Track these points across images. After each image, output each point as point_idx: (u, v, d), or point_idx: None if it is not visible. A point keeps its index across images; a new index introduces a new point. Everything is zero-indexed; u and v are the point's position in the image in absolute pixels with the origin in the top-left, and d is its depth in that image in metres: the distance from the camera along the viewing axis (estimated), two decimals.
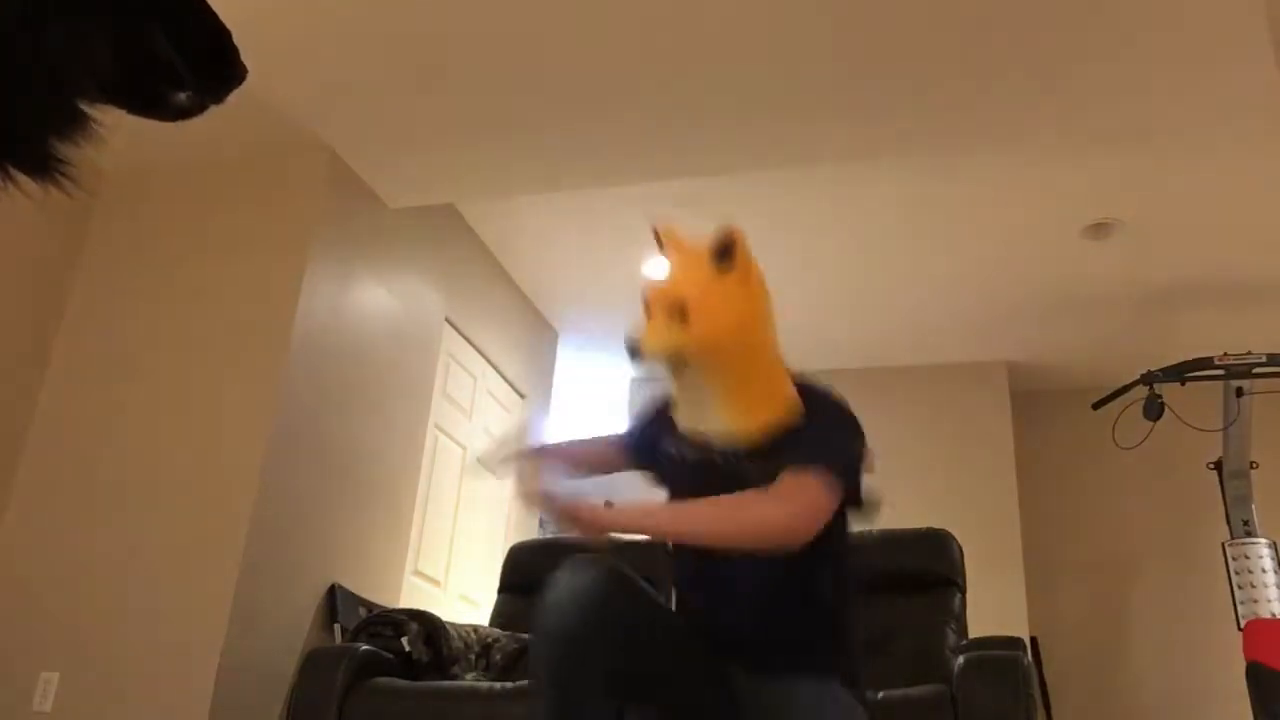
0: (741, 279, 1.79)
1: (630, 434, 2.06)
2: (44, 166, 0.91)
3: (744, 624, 1.79)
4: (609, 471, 2.04)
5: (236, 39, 1.00)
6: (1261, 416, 3.66)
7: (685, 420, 1.84)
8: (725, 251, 1.76)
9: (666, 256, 1.87)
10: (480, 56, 3.24)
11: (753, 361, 1.81)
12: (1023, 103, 3.32)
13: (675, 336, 1.74)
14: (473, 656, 3.31)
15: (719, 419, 1.79)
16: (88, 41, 0.88)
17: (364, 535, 3.79)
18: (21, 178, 0.90)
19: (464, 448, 4.62)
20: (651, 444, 1.94)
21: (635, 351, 1.77)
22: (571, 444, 2.14)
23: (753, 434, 1.75)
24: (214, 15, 0.99)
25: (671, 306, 1.76)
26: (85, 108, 0.92)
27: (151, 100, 0.99)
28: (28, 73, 0.85)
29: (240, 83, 1.00)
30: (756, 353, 1.82)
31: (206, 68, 0.98)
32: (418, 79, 3.36)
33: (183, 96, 0.98)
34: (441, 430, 4.42)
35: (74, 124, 0.92)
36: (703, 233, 1.82)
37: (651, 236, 1.91)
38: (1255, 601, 3.28)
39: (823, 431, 1.76)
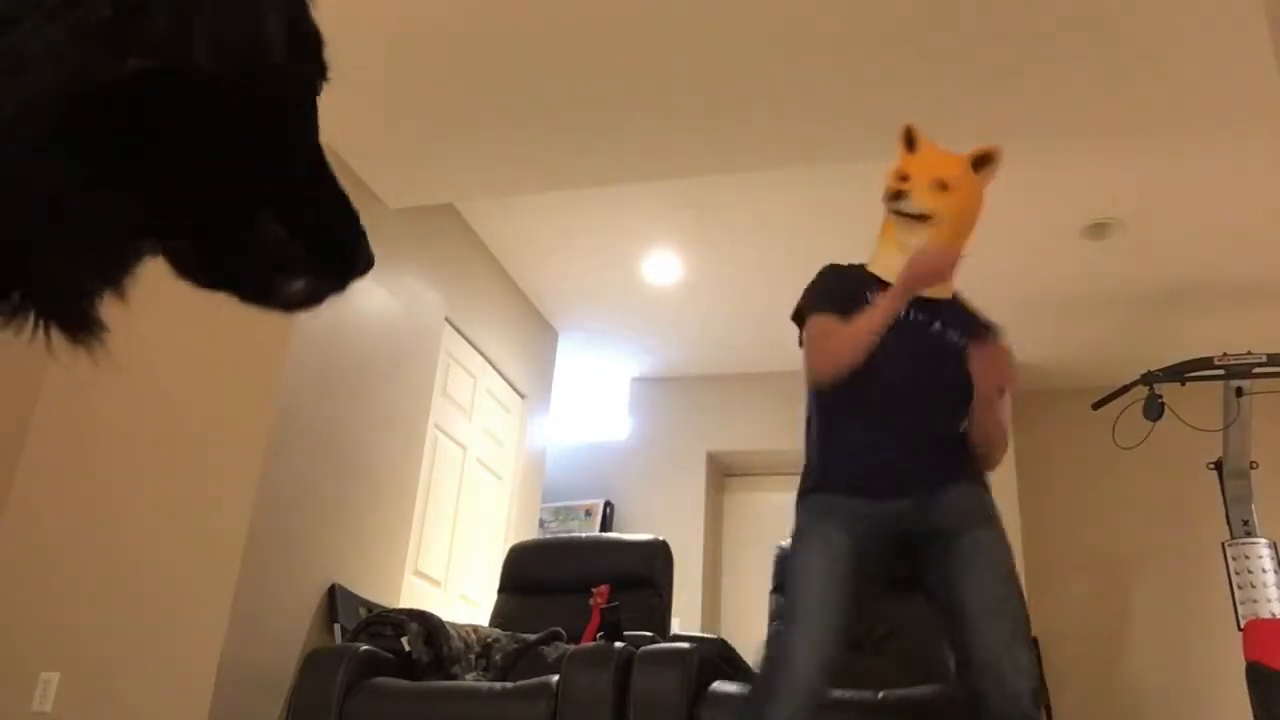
0: (984, 184, 2.33)
1: (833, 305, 2.38)
2: (82, 327, 0.84)
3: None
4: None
5: None
6: (1261, 416, 3.66)
7: (885, 269, 2.30)
8: (986, 159, 2.31)
9: (919, 148, 2.34)
10: (481, 57, 3.24)
11: (964, 243, 2.32)
12: (1022, 103, 3.32)
13: (935, 200, 2.26)
14: (473, 656, 3.31)
15: None
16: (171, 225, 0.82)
17: (364, 535, 3.79)
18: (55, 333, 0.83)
19: (464, 448, 4.62)
20: (848, 299, 2.32)
21: (902, 196, 2.27)
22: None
23: (942, 296, 2.30)
24: (344, 199, 0.89)
25: (935, 180, 2.26)
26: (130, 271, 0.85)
27: (261, 289, 0.89)
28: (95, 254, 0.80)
29: (366, 272, 0.91)
30: (966, 240, 2.34)
31: (329, 256, 0.89)
32: (418, 79, 3.36)
33: (299, 285, 0.88)
34: (441, 430, 4.42)
35: (124, 274, 0.85)
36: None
37: (898, 137, 2.38)
38: (1255, 601, 3.28)
39: None
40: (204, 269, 0.88)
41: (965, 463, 2.23)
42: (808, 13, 2.99)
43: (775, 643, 2.11)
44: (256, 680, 3.20)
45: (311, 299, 0.90)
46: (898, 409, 2.21)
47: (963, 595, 2.03)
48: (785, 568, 2.20)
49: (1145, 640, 5.29)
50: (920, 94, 3.29)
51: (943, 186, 2.26)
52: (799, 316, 2.41)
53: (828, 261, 2.51)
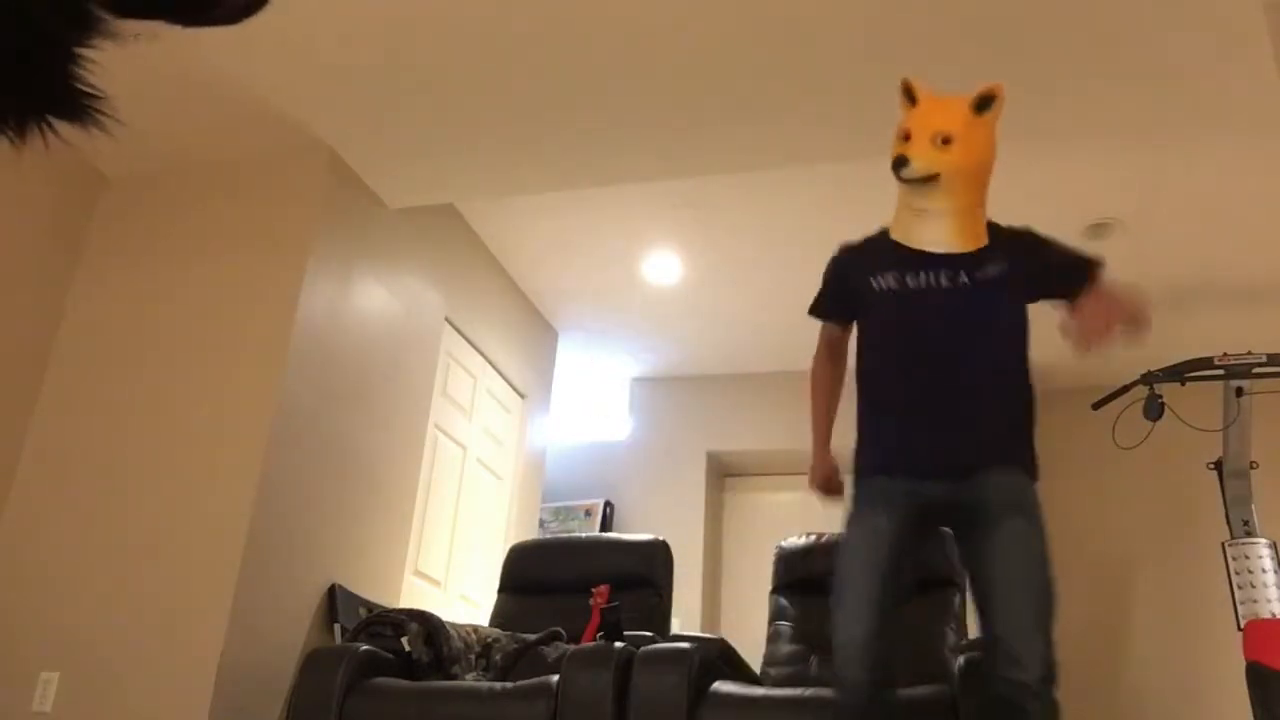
0: (991, 125, 2.22)
1: (833, 309, 2.45)
2: (75, 104, 0.79)
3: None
4: (837, 344, 2.51)
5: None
6: (1261, 416, 3.65)
7: (905, 234, 2.24)
8: (987, 101, 2.20)
9: (918, 100, 2.25)
10: (481, 57, 3.24)
11: (983, 193, 2.24)
12: (1023, 103, 3.32)
13: (939, 157, 2.16)
14: (473, 656, 3.31)
15: (945, 234, 2.20)
16: None
17: (364, 535, 3.79)
18: (59, 124, 0.79)
19: (464, 448, 4.62)
20: (852, 295, 2.34)
21: (904, 163, 2.16)
22: (822, 421, 2.54)
23: (968, 250, 2.20)
24: None
25: (936, 134, 2.16)
26: (105, 19, 0.77)
27: (201, 3, 0.83)
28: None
29: None
30: (985, 188, 2.25)
31: None
32: (418, 79, 3.36)
33: None
34: (441, 430, 4.42)
35: (92, 31, 0.77)
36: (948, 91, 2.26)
37: (900, 91, 2.29)
38: (1255, 601, 3.28)
39: None
40: None
41: (1010, 446, 2.21)
42: (807, 13, 2.99)
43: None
44: (256, 680, 3.20)
45: (251, 6, 0.84)
46: (926, 385, 2.19)
47: (992, 578, 2.06)
48: (837, 561, 2.20)
49: (1145, 640, 5.29)
50: None
51: (945, 141, 2.18)
52: (815, 310, 2.46)
53: (827, 261, 2.51)
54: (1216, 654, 4.75)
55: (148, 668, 3.12)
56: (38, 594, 3.33)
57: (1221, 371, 3.56)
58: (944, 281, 2.20)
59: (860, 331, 2.38)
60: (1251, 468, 3.53)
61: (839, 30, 3.05)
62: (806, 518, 5.14)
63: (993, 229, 2.31)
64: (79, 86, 0.78)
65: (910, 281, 2.23)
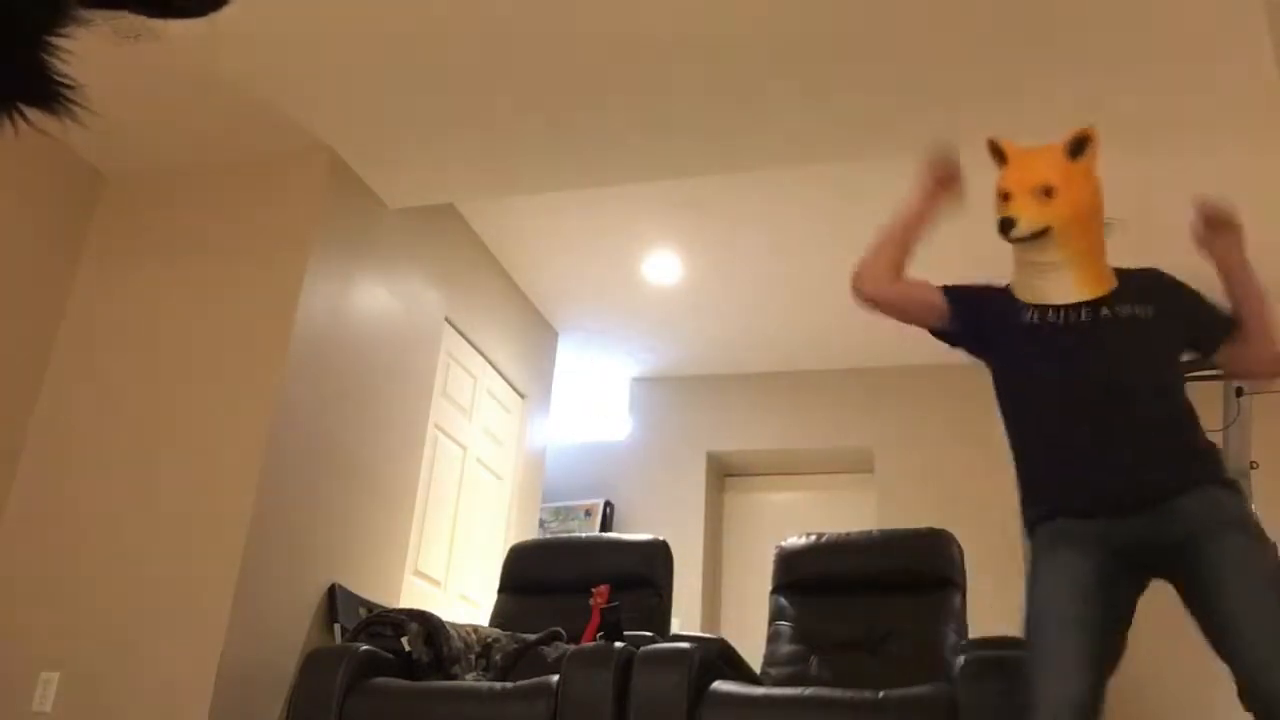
0: (1090, 168, 2.18)
1: (957, 300, 2.30)
2: (47, 91, 0.80)
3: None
4: (915, 300, 2.32)
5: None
6: (1261, 416, 3.66)
7: (1030, 293, 2.18)
8: (1081, 144, 2.15)
9: (1008, 157, 2.21)
10: (480, 56, 3.24)
11: (1099, 235, 2.20)
12: (1023, 103, 3.32)
13: (1045, 211, 2.11)
14: (473, 656, 3.31)
15: (1071, 285, 2.14)
16: None
17: (364, 535, 3.79)
18: (31, 112, 0.80)
19: (464, 448, 4.62)
20: (979, 322, 2.25)
21: (1011, 225, 2.12)
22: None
23: (1094, 296, 2.12)
24: None
25: (1037, 188, 2.12)
26: (80, 11, 0.80)
27: None
28: None
29: None
30: (1099, 229, 2.21)
31: None
32: (418, 79, 3.36)
33: None
34: (441, 430, 4.42)
35: (64, 19, 0.79)
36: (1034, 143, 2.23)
37: (989, 151, 2.26)
38: None
39: None
40: None
41: (1189, 465, 2.02)
42: (807, 13, 2.99)
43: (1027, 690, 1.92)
44: (256, 680, 3.20)
45: (212, 2, 0.87)
46: (1067, 420, 2.06)
47: (1216, 608, 1.88)
48: (1027, 613, 2.01)
49: (1145, 640, 5.28)
50: (921, 95, 3.29)
51: (1047, 193, 2.12)
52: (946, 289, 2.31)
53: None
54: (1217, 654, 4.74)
55: (148, 668, 3.12)
56: (38, 594, 3.33)
57: (1222, 371, 3.56)
58: (1084, 316, 2.11)
59: (999, 371, 2.25)
60: (1251, 468, 3.53)
61: (839, 30, 3.04)
62: (806, 518, 5.15)
63: (1122, 272, 2.24)
64: (52, 75, 0.79)
65: (1052, 317, 2.14)
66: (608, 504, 5.83)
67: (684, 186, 4.19)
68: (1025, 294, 2.20)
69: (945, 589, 3.35)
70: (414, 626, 3.26)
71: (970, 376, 5.53)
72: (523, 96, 3.42)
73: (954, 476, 5.29)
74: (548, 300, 5.35)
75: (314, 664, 3.06)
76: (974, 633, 3.30)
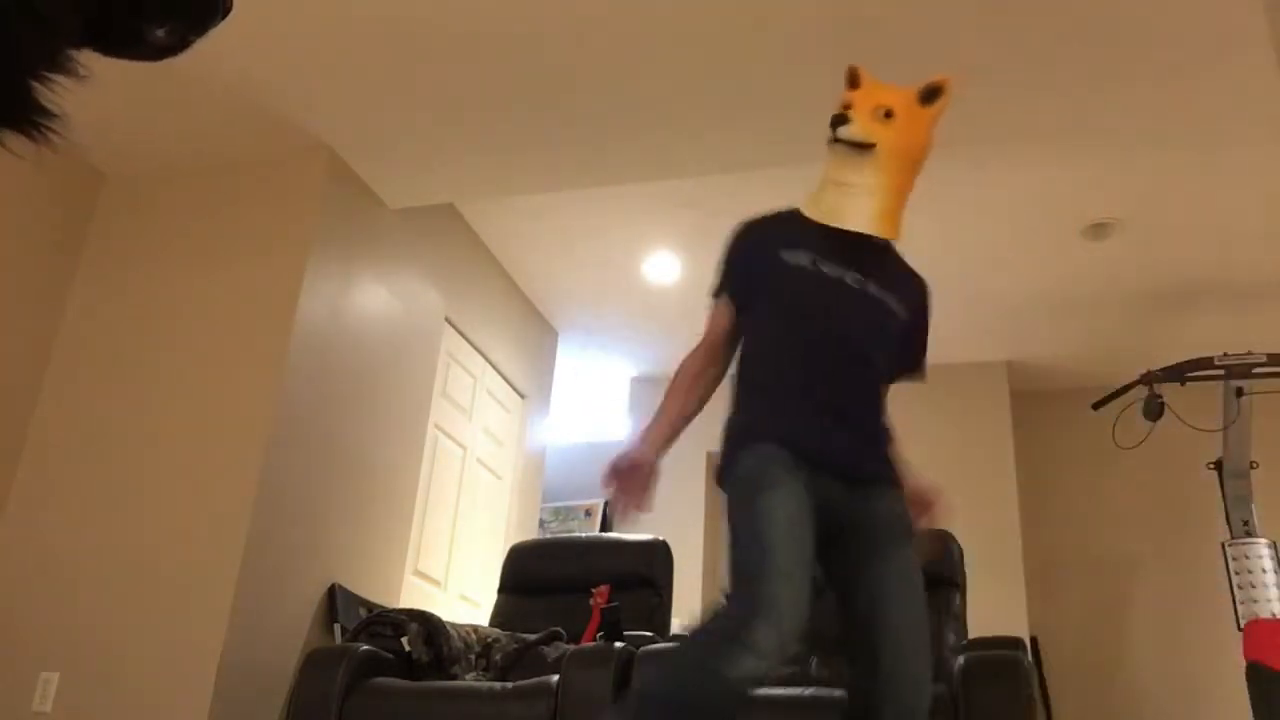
0: (934, 117, 2.15)
1: (737, 287, 2.22)
2: (29, 120, 0.85)
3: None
4: (721, 337, 2.24)
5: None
6: (1261, 416, 3.66)
7: (825, 212, 2.11)
8: (934, 93, 2.13)
9: (862, 84, 2.17)
10: (480, 57, 3.24)
11: (910, 186, 2.15)
12: (1022, 103, 3.32)
13: (878, 129, 2.09)
14: (473, 656, 3.31)
15: (868, 213, 2.09)
16: None
17: (364, 535, 3.79)
18: (9, 135, 0.85)
19: (464, 448, 4.62)
20: (755, 273, 2.18)
21: (843, 121, 2.08)
22: (676, 418, 2.40)
23: (884, 236, 2.09)
24: None
25: (879, 108, 2.10)
26: (67, 51, 0.85)
27: (128, 38, 0.90)
28: (7, 16, 0.79)
29: (224, 17, 0.93)
30: (913, 181, 2.15)
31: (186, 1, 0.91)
32: (417, 79, 3.36)
33: (161, 33, 0.91)
34: (441, 430, 4.42)
35: (56, 68, 0.84)
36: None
37: (845, 77, 2.20)
38: (1255, 601, 3.28)
39: None
40: (89, 18, 0.87)
41: (893, 463, 2.07)
42: (807, 13, 2.99)
43: (747, 582, 1.82)
44: (256, 680, 3.20)
45: (176, 45, 0.92)
46: (834, 374, 2.04)
47: (885, 604, 1.91)
48: (740, 511, 1.96)
49: (1145, 640, 5.29)
50: None
51: (887, 114, 2.09)
52: (717, 290, 2.24)
53: (728, 239, 2.36)
54: (1216, 654, 4.76)
55: (148, 668, 3.12)
56: (38, 594, 3.33)
57: (1221, 371, 3.56)
58: (850, 282, 2.08)
59: (758, 307, 2.17)
60: (1251, 468, 3.53)
61: (837, 30, 3.04)
62: None
63: (904, 264, 2.23)
64: (36, 104, 0.83)
65: (824, 268, 2.09)
66: (608, 504, 5.83)
67: (684, 186, 4.19)
68: (818, 212, 2.11)
69: (944, 589, 3.35)
70: (414, 626, 3.26)
71: (970, 376, 5.56)
72: (522, 98, 3.42)
73: (954, 476, 5.29)
74: (548, 300, 5.35)
75: (314, 664, 3.07)
76: (974, 633, 3.30)
